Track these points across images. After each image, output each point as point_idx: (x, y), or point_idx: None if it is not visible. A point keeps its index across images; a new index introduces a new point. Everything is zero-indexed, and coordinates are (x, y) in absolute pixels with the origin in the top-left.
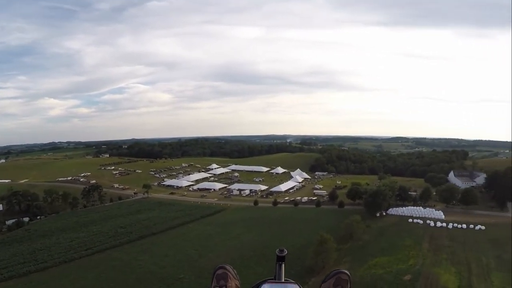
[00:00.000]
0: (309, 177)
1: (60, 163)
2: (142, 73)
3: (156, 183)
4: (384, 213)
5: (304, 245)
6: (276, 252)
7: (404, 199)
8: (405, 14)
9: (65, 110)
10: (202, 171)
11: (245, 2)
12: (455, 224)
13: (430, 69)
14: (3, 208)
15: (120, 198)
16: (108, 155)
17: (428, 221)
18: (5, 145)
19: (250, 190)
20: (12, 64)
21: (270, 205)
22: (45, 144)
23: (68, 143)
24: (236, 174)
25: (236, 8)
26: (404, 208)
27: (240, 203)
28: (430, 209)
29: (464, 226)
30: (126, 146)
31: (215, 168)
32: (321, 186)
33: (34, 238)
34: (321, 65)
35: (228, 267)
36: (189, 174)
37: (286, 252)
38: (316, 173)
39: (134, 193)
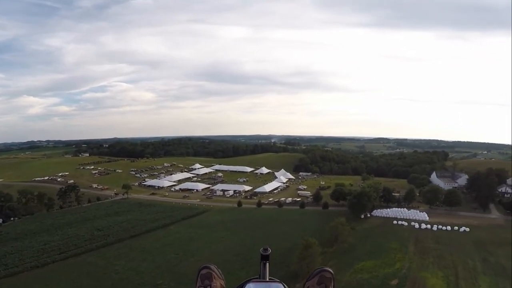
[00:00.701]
0: (293, 178)
1: (37, 162)
2: (125, 71)
3: (136, 183)
4: (369, 215)
5: (289, 248)
6: (260, 251)
7: (388, 200)
8: (388, 16)
9: (44, 108)
10: (185, 171)
11: (232, 2)
12: (440, 226)
13: (411, 71)
14: None
15: (98, 199)
16: (88, 154)
17: (412, 223)
18: None
19: (234, 190)
20: None
21: (254, 206)
22: (24, 143)
23: (48, 142)
24: (220, 174)
25: (223, 7)
26: (388, 209)
27: (224, 204)
28: (415, 210)
29: (449, 228)
30: (107, 145)
31: (198, 168)
32: (305, 187)
33: (5, 241)
34: (306, 66)
35: (212, 266)
36: (171, 174)
37: (270, 251)
38: (300, 173)
39: (114, 193)
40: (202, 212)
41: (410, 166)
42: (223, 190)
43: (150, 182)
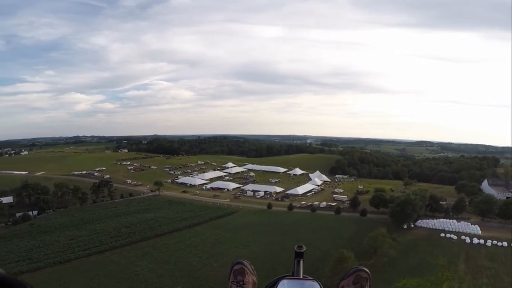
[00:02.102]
0: (329, 180)
1: (79, 157)
2: (165, 70)
3: (170, 180)
4: (413, 225)
5: (320, 258)
6: (295, 248)
7: (434, 209)
8: (430, 16)
9: (90, 105)
10: (218, 170)
11: (266, 2)
12: (494, 241)
13: (456, 72)
14: (13, 200)
15: (131, 195)
16: (126, 150)
17: (463, 237)
18: (32, 137)
19: (265, 191)
20: (41, 59)
21: (285, 209)
22: (70, 137)
23: (92, 137)
24: (252, 174)
25: (258, 7)
26: (435, 220)
27: (253, 206)
28: (465, 222)
29: (505, 244)
30: (145, 142)
31: (231, 167)
32: (341, 190)
33: (35, 234)
34: (344, 66)
35: (245, 262)
36: (204, 172)
37: (305, 248)
38: (337, 176)
39: (150, 190)
40: (230, 213)
41: (457, 172)
42: (254, 191)
43: (182, 179)
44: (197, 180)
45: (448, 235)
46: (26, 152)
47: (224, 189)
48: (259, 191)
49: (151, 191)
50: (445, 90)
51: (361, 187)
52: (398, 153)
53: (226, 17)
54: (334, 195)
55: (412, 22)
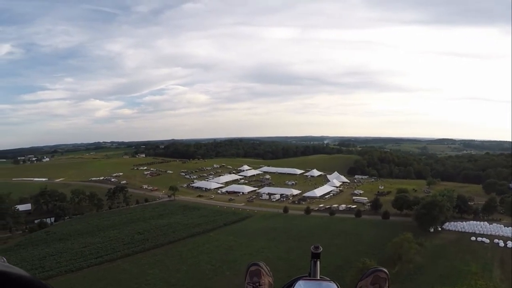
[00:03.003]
0: (348, 181)
1: (97, 162)
2: (180, 74)
3: (185, 185)
4: (440, 228)
5: (339, 266)
6: (311, 249)
7: (463, 211)
8: (444, 12)
9: (109, 111)
10: (233, 173)
11: (276, 3)
12: None
13: (475, 68)
14: (31, 207)
15: (146, 200)
16: (144, 155)
17: (496, 240)
18: (54, 144)
19: (281, 194)
20: (60, 66)
21: (302, 213)
22: (91, 143)
23: (112, 143)
24: (268, 176)
25: (267, 9)
26: (464, 222)
27: (268, 210)
28: (498, 224)
29: None
30: (163, 146)
31: (246, 170)
32: (361, 192)
33: (50, 241)
34: (359, 66)
35: (261, 263)
36: (219, 176)
37: (321, 249)
38: (356, 176)
39: (167, 195)
40: (245, 218)
41: (482, 170)
42: (269, 194)
43: (198, 183)
44: (212, 184)
45: (479, 239)
46: (47, 159)
47: (239, 192)
48: (275, 194)
49: (168, 196)
50: (465, 86)
51: (382, 187)
52: (419, 152)
53: (236, 20)
54: (354, 197)
55: (425, 19)
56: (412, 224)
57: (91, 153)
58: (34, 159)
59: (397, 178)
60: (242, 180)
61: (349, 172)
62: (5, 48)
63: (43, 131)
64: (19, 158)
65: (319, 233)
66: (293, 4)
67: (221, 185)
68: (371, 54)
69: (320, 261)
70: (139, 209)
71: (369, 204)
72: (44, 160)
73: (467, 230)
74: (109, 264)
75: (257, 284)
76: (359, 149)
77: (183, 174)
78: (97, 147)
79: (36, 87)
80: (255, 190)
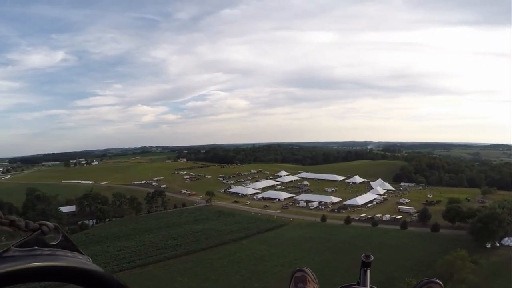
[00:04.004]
0: (393, 189)
1: (141, 166)
2: (220, 80)
3: (222, 190)
4: (498, 244)
5: (381, 283)
6: (362, 257)
7: None
8: (493, 12)
9: (155, 116)
10: (270, 178)
11: (313, 8)
12: None
13: None
14: (76, 209)
15: (184, 205)
16: (185, 160)
17: None
18: (104, 148)
19: (319, 202)
20: (109, 73)
21: (342, 222)
22: (137, 148)
23: (157, 147)
24: (306, 182)
25: (305, 14)
26: None
27: (305, 218)
28: None
29: None
30: (204, 151)
31: (283, 176)
32: (407, 201)
33: (88, 243)
34: (404, 68)
35: (307, 270)
36: (256, 181)
37: (373, 258)
38: (402, 184)
39: (205, 200)
40: (279, 226)
41: None
42: (307, 201)
43: (234, 189)
44: (248, 189)
45: None
46: (96, 162)
47: (275, 199)
48: (313, 201)
49: (206, 201)
50: None
51: (431, 196)
52: (471, 158)
53: (274, 25)
54: (399, 206)
55: (472, 19)
56: (465, 239)
57: (136, 157)
58: (84, 162)
59: (448, 186)
60: (279, 186)
61: (395, 179)
62: (60, 55)
63: (95, 135)
64: (70, 161)
65: (359, 245)
66: (331, 8)
67: (257, 191)
68: (416, 56)
69: (370, 270)
70: (176, 213)
71: (416, 214)
72: (93, 163)
73: None
74: (140, 269)
75: None
76: (406, 154)
77: (221, 179)
78: (143, 151)
79: (88, 93)
80: (292, 197)
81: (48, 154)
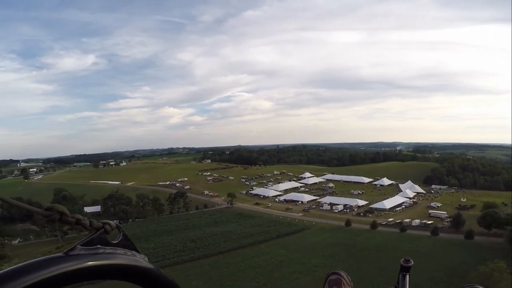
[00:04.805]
0: (423, 192)
1: (167, 167)
2: (245, 81)
3: (244, 191)
4: None
5: None
6: (401, 262)
7: None
8: None
9: (182, 118)
10: (293, 180)
11: (338, 7)
12: None
13: None
14: (101, 210)
15: (205, 206)
16: (210, 161)
17: None
18: (134, 149)
19: (344, 205)
20: (138, 76)
21: (367, 227)
22: (165, 149)
23: (184, 148)
24: (331, 184)
25: (330, 14)
26: None
27: (328, 222)
28: None
29: None
30: (228, 152)
31: (307, 177)
32: (439, 205)
33: None
34: (434, 67)
35: (342, 273)
36: (278, 183)
37: (413, 263)
38: (433, 186)
39: (228, 202)
40: (301, 230)
41: None
42: (331, 204)
43: (256, 190)
44: (270, 191)
45: None
46: (124, 163)
47: (298, 201)
48: (337, 204)
49: (228, 203)
50: None
51: (464, 200)
52: (508, 159)
53: (298, 25)
54: (430, 211)
55: (506, 16)
56: (503, 247)
57: (163, 158)
58: (112, 163)
59: (483, 189)
60: (303, 188)
61: (425, 181)
62: (91, 59)
63: (124, 137)
64: (100, 162)
65: (385, 252)
66: (356, 7)
67: (280, 193)
68: (448, 55)
69: (409, 275)
70: (197, 215)
71: (448, 220)
72: (121, 164)
73: None
74: None
75: None
76: (437, 155)
77: (243, 180)
78: (170, 152)
79: (118, 96)
80: (315, 199)
81: (80, 155)
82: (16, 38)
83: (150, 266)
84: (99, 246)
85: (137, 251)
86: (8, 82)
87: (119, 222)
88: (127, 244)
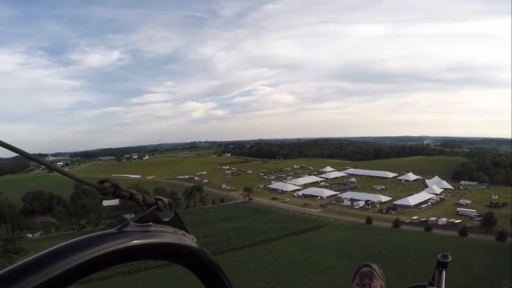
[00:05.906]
0: (452, 188)
1: (187, 161)
2: (266, 75)
3: (262, 186)
4: None
5: None
6: (439, 257)
7: None
8: None
9: (204, 112)
10: (314, 174)
11: (360, 1)
12: None
13: None
14: (119, 203)
15: (222, 201)
16: (230, 155)
17: None
18: (157, 143)
19: (366, 201)
20: (161, 71)
21: (390, 225)
22: (187, 143)
23: (206, 142)
24: (353, 179)
25: (352, 7)
26: None
27: (348, 218)
28: None
29: None
30: (248, 146)
31: (328, 172)
32: (468, 202)
33: None
34: (464, 60)
35: (374, 265)
36: (298, 177)
37: (451, 259)
38: (462, 182)
39: (245, 197)
40: (318, 227)
41: None
42: (352, 199)
43: (274, 185)
44: (289, 186)
45: None
46: (147, 157)
47: (317, 196)
48: (358, 200)
49: (245, 197)
50: None
51: (496, 197)
52: None
53: (320, 18)
54: (458, 208)
55: None
56: None
57: (185, 152)
58: (135, 157)
59: None
60: (323, 183)
61: (454, 177)
62: (115, 54)
63: (149, 131)
64: (124, 155)
65: (408, 254)
66: (380, 0)
67: (299, 188)
68: (476, 48)
69: (446, 271)
70: (213, 210)
71: (478, 218)
72: (144, 158)
73: None
74: (166, 268)
75: (368, 286)
76: (467, 150)
77: (262, 174)
78: (192, 146)
79: (143, 91)
80: (335, 195)
81: (105, 149)
82: (44, 35)
83: (198, 247)
84: (151, 223)
85: (187, 231)
86: (38, 78)
87: (135, 216)
88: (178, 223)
